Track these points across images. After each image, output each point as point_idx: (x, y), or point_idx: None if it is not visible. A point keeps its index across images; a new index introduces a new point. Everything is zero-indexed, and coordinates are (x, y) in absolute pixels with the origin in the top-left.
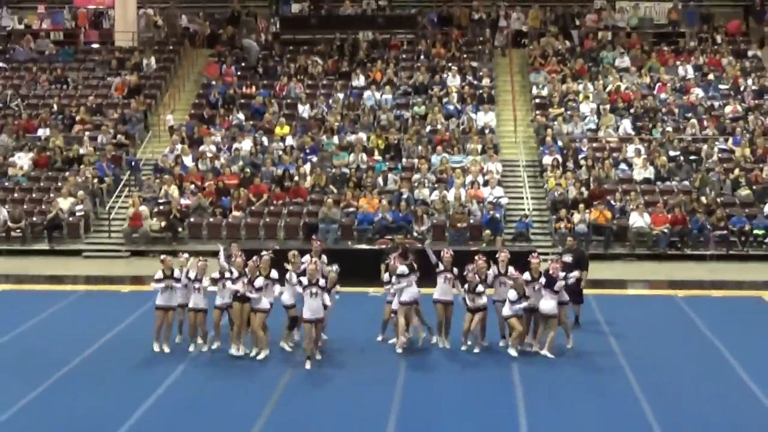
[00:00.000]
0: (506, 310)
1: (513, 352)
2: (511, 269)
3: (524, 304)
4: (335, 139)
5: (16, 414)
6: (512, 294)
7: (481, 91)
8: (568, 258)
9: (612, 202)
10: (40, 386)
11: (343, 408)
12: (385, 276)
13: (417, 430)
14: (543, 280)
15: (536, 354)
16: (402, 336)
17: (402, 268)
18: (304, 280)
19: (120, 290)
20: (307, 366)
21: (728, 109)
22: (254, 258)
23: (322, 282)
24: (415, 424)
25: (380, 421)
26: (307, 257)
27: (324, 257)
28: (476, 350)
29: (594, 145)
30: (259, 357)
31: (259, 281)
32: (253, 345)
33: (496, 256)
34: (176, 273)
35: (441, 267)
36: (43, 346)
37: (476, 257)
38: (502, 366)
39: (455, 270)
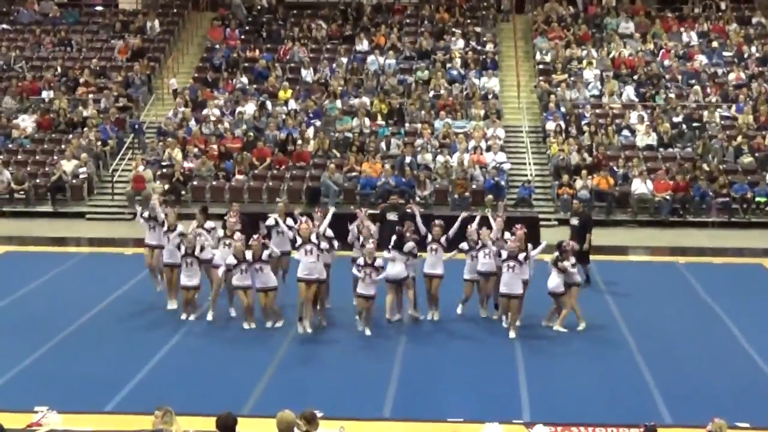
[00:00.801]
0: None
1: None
2: (507, 234)
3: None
4: (338, 104)
5: (20, 374)
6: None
7: (484, 57)
8: (575, 221)
9: (614, 168)
10: (43, 347)
11: (344, 373)
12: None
13: (416, 393)
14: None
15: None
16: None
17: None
18: (298, 239)
19: (123, 252)
20: (299, 330)
21: (732, 76)
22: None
23: (314, 239)
24: (414, 389)
25: (381, 386)
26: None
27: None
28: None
29: (597, 111)
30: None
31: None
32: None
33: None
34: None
35: (430, 238)
36: (47, 307)
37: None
38: (504, 335)
39: (443, 240)
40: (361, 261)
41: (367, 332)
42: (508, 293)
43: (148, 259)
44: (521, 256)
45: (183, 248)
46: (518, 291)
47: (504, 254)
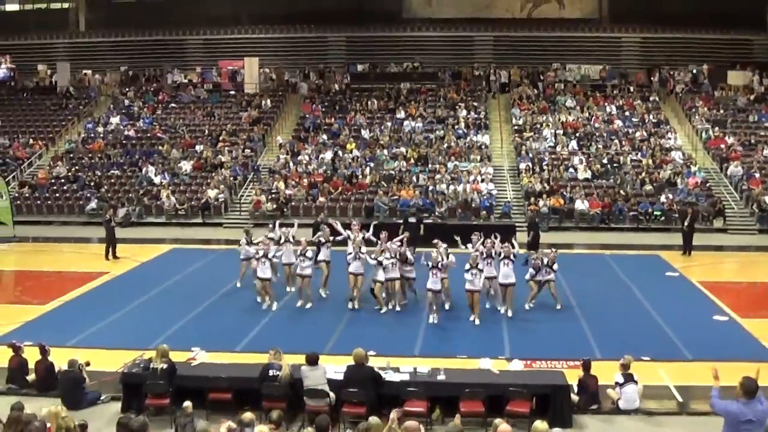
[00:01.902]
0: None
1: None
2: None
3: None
4: (385, 152)
5: (182, 326)
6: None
7: (479, 121)
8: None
9: (564, 193)
10: (196, 309)
11: (386, 328)
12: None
13: (437, 341)
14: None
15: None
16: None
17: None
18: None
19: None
20: (349, 306)
21: (638, 134)
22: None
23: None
24: (434, 338)
25: (412, 337)
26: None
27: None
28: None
29: (552, 156)
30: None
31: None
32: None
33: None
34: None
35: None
36: (199, 284)
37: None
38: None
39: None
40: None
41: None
42: (506, 283)
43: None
44: (511, 255)
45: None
46: (512, 280)
47: (502, 254)
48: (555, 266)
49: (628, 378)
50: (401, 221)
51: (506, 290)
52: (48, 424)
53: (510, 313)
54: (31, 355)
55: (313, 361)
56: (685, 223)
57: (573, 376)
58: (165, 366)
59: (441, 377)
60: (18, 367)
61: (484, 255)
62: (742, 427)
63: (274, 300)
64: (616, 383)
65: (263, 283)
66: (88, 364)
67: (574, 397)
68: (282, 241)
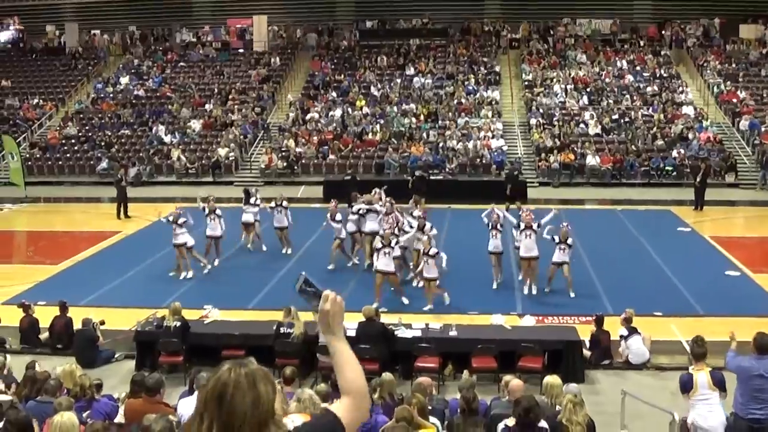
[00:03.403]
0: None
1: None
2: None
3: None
4: (395, 109)
5: (195, 283)
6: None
7: (490, 77)
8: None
9: (575, 148)
10: (208, 266)
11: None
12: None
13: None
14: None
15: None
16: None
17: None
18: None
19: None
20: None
21: (649, 89)
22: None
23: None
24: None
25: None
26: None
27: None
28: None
29: (563, 111)
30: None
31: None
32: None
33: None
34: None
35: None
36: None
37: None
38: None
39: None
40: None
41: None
42: (528, 256)
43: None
44: (534, 225)
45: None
46: (535, 254)
47: (522, 225)
48: (570, 241)
49: (632, 331)
50: (409, 178)
51: (528, 264)
52: (63, 382)
53: (534, 290)
54: (43, 314)
55: None
56: (697, 179)
57: (585, 332)
58: (178, 324)
59: (453, 333)
60: (29, 327)
61: (491, 225)
62: (753, 382)
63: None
64: (621, 336)
65: (282, 232)
66: (102, 323)
67: (586, 353)
68: (273, 205)
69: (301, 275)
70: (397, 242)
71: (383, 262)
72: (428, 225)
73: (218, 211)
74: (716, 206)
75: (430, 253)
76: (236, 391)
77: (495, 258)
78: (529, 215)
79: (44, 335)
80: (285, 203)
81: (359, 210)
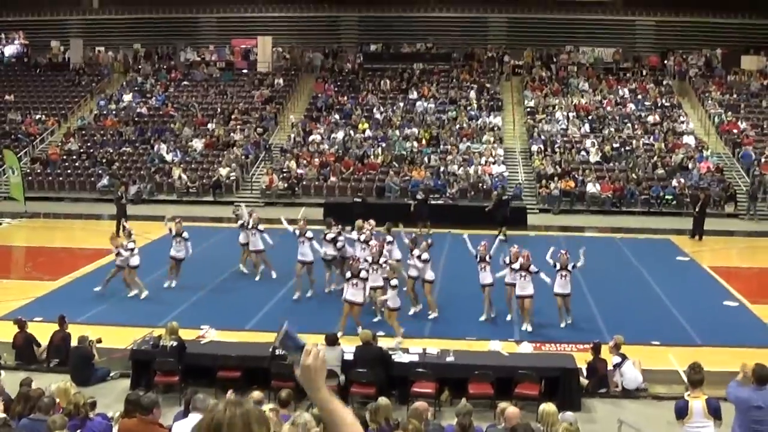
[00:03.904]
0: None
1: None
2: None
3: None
4: (397, 132)
5: (191, 304)
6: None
7: (492, 102)
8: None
9: (576, 175)
10: (206, 288)
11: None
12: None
13: (445, 324)
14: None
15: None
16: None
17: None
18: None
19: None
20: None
21: (650, 118)
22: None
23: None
24: (444, 321)
25: (423, 319)
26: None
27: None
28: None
29: (564, 138)
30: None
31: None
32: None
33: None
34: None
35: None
36: (210, 261)
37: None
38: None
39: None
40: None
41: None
42: (523, 294)
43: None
44: (532, 268)
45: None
46: (530, 292)
47: (517, 266)
48: (571, 267)
49: (623, 357)
50: (411, 201)
51: (523, 302)
52: (57, 400)
53: (530, 328)
54: (40, 331)
55: (331, 341)
56: (696, 208)
57: (582, 360)
58: (174, 343)
59: (450, 359)
60: (24, 343)
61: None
62: (751, 413)
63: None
64: (614, 366)
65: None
66: (99, 341)
67: (584, 381)
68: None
69: (282, 328)
70: (367, 272)
71: (350, 292)
72: (391, 252)
73: (185, 234)
74: (715, 236)
75: (392, 283)
76: (230, 431)
77: (486, 290)
78: (523, 255)
79: (41, 350)
80: (260, 226)
81: (333, 238)
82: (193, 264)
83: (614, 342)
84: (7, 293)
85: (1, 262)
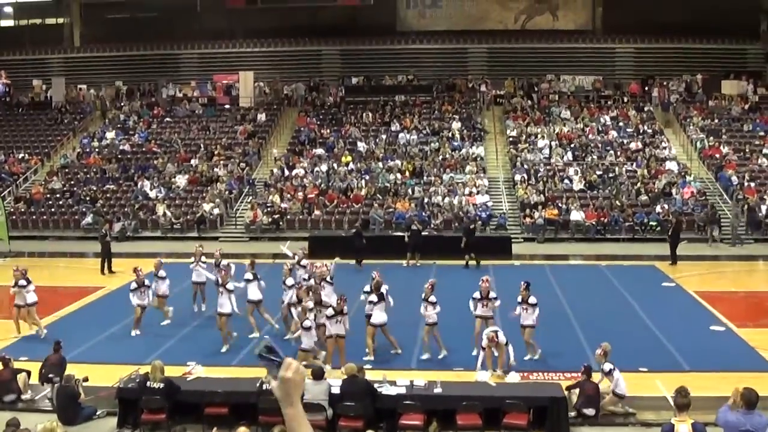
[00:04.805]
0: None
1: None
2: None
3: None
4: (381, 164)
5: (177, 341)
6: None
7: (474, 133)
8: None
9: (559, 204)
10: (193, 323)
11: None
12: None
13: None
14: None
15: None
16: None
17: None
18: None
19: (242, 263)
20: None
21: (632, 144)
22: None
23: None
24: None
25: (409, 351)
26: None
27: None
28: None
29: (547, 167)
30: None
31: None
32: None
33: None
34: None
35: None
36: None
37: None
38: None
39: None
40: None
41: None
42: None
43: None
44: (531, 300)
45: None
46: (531, 322)
47: (519, 298)
48: (531, 300)
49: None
50: (401, 233)
51: (524, 331)
52: None
53: (537, 356)
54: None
55: (318, 375)
56: (669, 233)
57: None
58: (162, 385)
59: (438, 390)
60: (11, 377)
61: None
62: None
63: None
64: (608, 372)
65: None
66: (86, 379)
67: (573, 398)
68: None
69: (264, 339)
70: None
71: (335, 327)
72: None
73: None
74: (700, 261)
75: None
76: None
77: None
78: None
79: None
80: (203, 258)
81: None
82: (179, 300)
83: (602, 350)
84: None
85: None
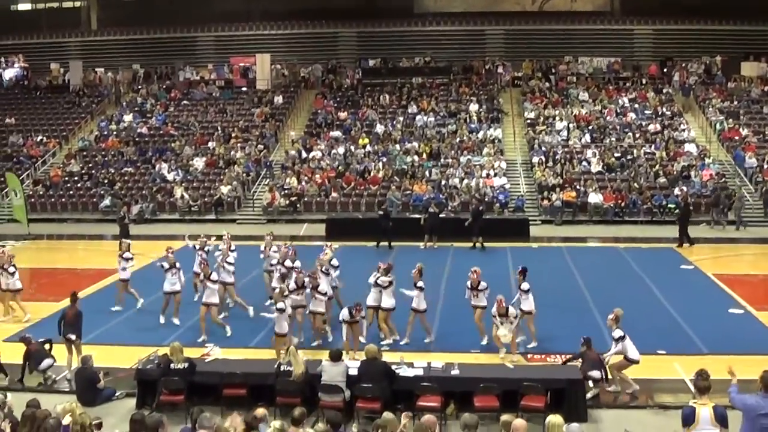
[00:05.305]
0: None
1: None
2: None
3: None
4: (398, 147)
5: (195, 322)
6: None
7: (492, 114)
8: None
9: (577, 186)
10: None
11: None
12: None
13: (451, 337)
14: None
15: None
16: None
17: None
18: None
19: (259, 245)
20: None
21: (651, 126)
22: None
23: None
24: (450, 335)
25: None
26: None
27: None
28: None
29: (565, 149)
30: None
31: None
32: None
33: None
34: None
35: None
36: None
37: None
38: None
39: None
40: None
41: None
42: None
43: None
44: (523, 286)
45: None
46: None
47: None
48: (524, 286)
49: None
50: (418, 215)
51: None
52: (63, 421)
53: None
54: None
55: (336, 357)
56: (678, 215)
57: None
58: (186, 365)
59: (455, 372)
60: (34, 354)
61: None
62: (760, 420)
63: None
64: (618, 339)
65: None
66: (107, 374)
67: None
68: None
69: None
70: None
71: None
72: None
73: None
74: (719, 243)
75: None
76: None
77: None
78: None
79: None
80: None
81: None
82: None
83: (614, 315)
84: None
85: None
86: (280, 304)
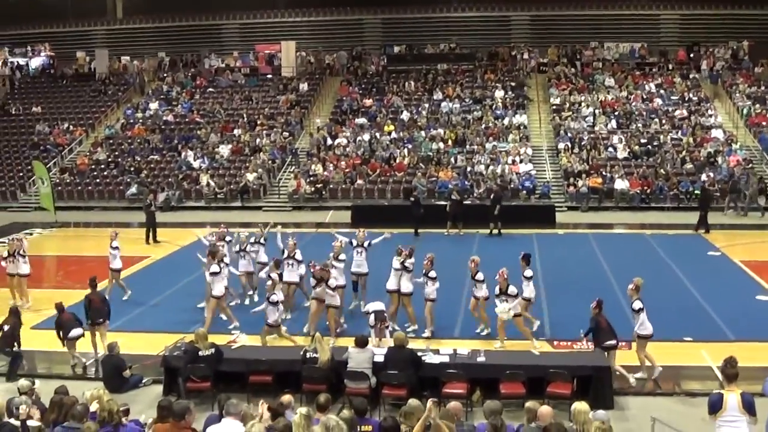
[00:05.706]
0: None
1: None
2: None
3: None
4: (423, 134)
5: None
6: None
7: (518, 101)
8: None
9: (603, 172)
10: (236, 292)
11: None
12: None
13: (476, 323)
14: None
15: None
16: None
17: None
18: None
19: (285, 231)
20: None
21: (678, 112)
22: None
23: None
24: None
25: (452, 318)
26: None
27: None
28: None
29: (591, 135)
30: None
31: None
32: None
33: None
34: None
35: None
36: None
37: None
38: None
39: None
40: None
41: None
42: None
43: None
44: (527, 273)
45: None
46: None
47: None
48: (527, 273)
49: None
50: (443, 202)
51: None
52: (91, 407)
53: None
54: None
55: (361, 343)
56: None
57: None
58: (213, 351)
59: (481, 359)
60: (66, 323)
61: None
62: None
63: None
64: (637, 310)
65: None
66: (130, 367)
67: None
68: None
69: None
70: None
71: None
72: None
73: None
74: (746, 230)
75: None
76: None
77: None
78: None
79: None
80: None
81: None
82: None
83: (634, 284)
84: (40, 303)
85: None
86: (273, 297)
